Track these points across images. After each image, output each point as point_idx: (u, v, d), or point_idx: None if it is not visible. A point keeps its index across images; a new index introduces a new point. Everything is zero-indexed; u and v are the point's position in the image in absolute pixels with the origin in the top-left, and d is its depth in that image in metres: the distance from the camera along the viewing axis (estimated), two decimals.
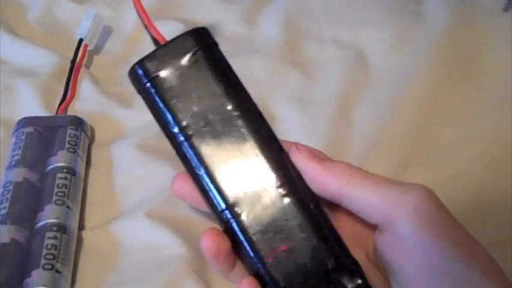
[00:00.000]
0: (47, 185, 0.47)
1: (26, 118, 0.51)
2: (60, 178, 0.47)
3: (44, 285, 0.41)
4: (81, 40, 0.58)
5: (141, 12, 0.39)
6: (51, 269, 0.42)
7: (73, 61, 0.57)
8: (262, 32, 0.62)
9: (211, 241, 0.34)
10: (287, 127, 0.53)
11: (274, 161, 0.34)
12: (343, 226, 0.36)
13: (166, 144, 0.51)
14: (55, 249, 0.43)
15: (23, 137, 0.49)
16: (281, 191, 0.34)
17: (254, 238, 0.33)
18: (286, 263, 0.33)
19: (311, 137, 0.52)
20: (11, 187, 0.46)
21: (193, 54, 0.35)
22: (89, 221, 0.49)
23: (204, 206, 0.35)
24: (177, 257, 0.45)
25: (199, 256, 0.46)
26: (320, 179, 0.34)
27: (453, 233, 0.31)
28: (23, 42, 0.60)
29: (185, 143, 0.35)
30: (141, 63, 0.35)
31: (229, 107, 0.35)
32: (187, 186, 0.36)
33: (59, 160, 0.48)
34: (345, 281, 0.33)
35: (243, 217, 0.33)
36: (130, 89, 0.56)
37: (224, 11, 0.64)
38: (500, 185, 0.49)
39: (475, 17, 0.61)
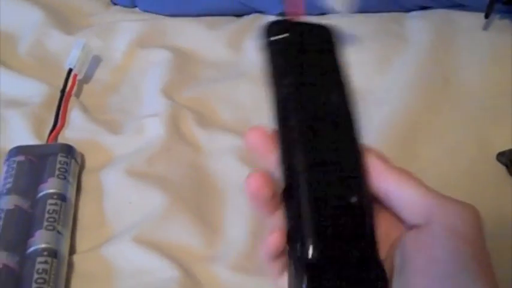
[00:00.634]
0: (37, 211, 0.48)
1: (17, 147, 0.52)
2: (50, 204, 0.48)
3: None
4: (70, 70, 0.60)
5: None
6: None
7: (63, 90, 0.59)
8: (247, 56, 0.64)
9: (255, 179, 0.35)
10: None
11: (353, 150, 0.35)
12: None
13: (155, 169, 0.53)
14: (46, 273, 0.44)
15: (14, 166, 0.51)
16: (349, 177, 0.35)
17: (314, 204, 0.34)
18: (330, 236, 0.33)
19: None
20: (3, 215, 0.47)
21: (318, 47, 0.38)
22: (80, 246, 0.50)
23: (271, 162, 0.36)
24: (170, 280, 0.46)
25: (192, 279, 0.47)
26: (381, 176, 0.35)
27: (479, 246, 0.32)
28: (14, 74, 0.62)
29: (291, 96, 0.36)
30: (276, 22, 0.37)
31: (336, 92, 0.37)
32: (262, 140, 0.37)
33: (50, 187, 0.49)
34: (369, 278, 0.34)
35: (312, 185, 0.34)
36: (119, 116, 0.59)
37: (210, 37, 0.65)
38: (482, 196, 0.50)
39: (455, 36, 0.62)
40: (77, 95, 0.61)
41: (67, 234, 0.48)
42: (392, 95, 0.57)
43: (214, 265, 0.47)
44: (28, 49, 0.64)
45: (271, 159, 0.36)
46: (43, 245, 0.45)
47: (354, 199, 0.34)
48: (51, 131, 0.56)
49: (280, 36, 0.37)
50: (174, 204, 0.50)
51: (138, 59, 0.64)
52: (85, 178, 0.54)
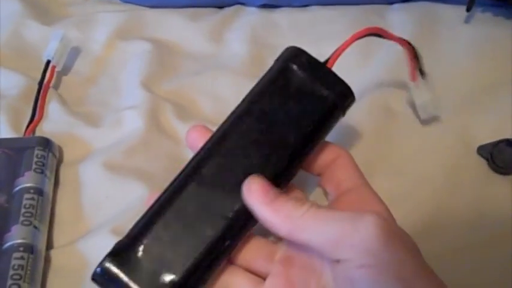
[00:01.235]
0: (14, 206, 0.47)
1: None
2: (27, 199, 0.47)
3: None
4: (48, 62, 0.59)
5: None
6: None
7: (40, 82, 0.58)
8: (228, 48, 0.63)
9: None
10: None
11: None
12: (299, 255, 0.38)
13: (133, 162, 0.53)
14: (22, 269, 0.43)
15: None
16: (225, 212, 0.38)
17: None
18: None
19: None
20: None
21: (325, 95, 0.40)
22: (57, 240, 0.49)
23: None
24: None
25: None
26: (269, 223, 0.36)
27: (396, 268, 0.32)
28: None
29: (246, 115, 0.40)
30: (299, 50, 0.41)
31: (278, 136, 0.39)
32: (201, 138, 0.41)
33: (26, 181, 0.49)
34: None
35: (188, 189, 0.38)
36: (98, 109, 0.58)
37: (190, 29, 0.64)
38: (463, 191, 0.50)
39: (437, 29, 0.62)
40: (55, 87, 0.60)
41: (44, 229, 0.47)
42: (372, 89, 0.57)
43: None
44: (5, 40, 0.63)
45: None
46: (19, 241, 0.45)
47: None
48: (29, 124, 0.55)
49: (298, 69, 0.40)
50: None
51: (117, 50, 0.63)
52: (63, 172, 0.53)
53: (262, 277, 0.40)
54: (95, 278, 0.38)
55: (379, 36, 0.47)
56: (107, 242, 0.47)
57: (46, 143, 0.52)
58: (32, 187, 0.48)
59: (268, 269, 0.39)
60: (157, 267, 0.37)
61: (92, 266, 0.46)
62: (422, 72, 0.51)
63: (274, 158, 0.38)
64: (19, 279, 0.42)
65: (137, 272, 0.37)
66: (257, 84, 0.41)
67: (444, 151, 0.52)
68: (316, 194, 0.49)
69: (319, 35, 0.63)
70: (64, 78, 0.61)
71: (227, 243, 0.38)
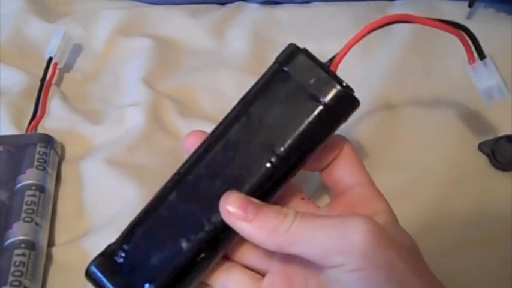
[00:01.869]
0: (15, 202, 0.47)
1: None
2: (28, 195, 0.47)
3: None
4: (50, 59, 0.59)
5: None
6: (19, 285, 0.42)
7: (42, 80, 0.58)
8: (229, 44, 0.63)
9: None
10: None
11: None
12: (292, 261, 0.38)
13: (134, 158, 0.53)
14: (23, 266, 0.43)
15: None
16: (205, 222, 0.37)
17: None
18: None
19: None
20: None
21: (323, 101, 0.37)
22: (59, 238, 0.49)
23: None
24: None
25: None
26: (254, 240, 0.35)
27: (387, 271, 0.32)
28: None
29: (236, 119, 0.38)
30: (305, 52, 0.39)
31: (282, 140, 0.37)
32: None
33: (28, 178, 0.49)
34: None
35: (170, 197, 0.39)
36: (100, 105, 0.58)
37: (192, 26, 0.64)
38: (464, 187, 0.50)
39: None
40: (57, 84, 0.60)
41: (45, 226, 0.47)
42: (374, 85, 0.57)
43: None
44: (7, 37, 0.63)
45: None
46: (21, 237, 0.45)
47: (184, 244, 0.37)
48: (31, 121, 0.55)
49: (296, 71, 0.38)
50: (153, 194, 0.49)
51: (119, 47, 0.63)
52: (65, 168, 0.53)
53: (262, 274, 0.40)
54: (86, 275, 0.39)
55: (407, 22, 0.44)
56: (108, 239, 0.47)
57: (48, 140, 0.52)
58: (33, 184, 0.48)
59: (267, 266, 0.39)
60: (136, 275, 0.37)
61: None
62: (481, 55, 0.46)
63: (260, 168, 0.37)
64: (20, 276, 0.43)
65: (117, 278, 0.38)
66: (252, 88, 0.39)
67: (445, 147, 0.52)
68: (318, 189, 0.49)
69: (320, 32, 0.63)
70: (66, 75, 0.62)
71: (202, 255, 0.37)
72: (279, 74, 0.38)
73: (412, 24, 0.61)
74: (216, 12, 0.66)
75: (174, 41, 0.64)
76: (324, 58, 0.60)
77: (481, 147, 0.51)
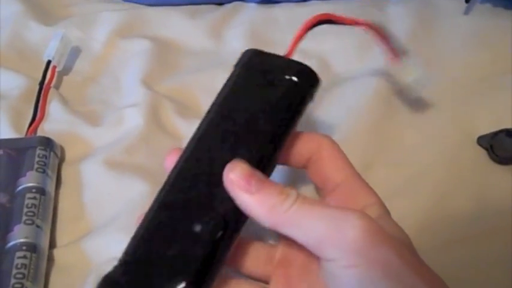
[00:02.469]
0: (16, 205, 0.47)
1: None
2: (29, 198, 0.48)
3: None
4: (49, 62, 0.59)
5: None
6: None
7: (41, 83, 0.58)
8: (228, 44, 0.63)
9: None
10: None
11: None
12: (296, 254, 0.38)
13: (134, 159, 0.53)
14: (25, 268, 0.43)
15: None
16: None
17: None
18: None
19: None
20: None
21: (287, 80, 0.39)
22: (60, 239, 0.49)
23: None
24: None
25: None
26: (253, 214, 0.34)
27: (383, 267, 0.32)
28: None
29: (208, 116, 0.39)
30: (255, 51, 0.41)
31: (256, 124, 0.38)
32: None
33: (28, 181, 0.49)
34: None
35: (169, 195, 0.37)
36: (99, 107, 0.58)
37: (190, 27, 0.65)
38: (463, 181, 0.50)
39: (436, 21, 0.62)
40: (56, 87, 0.60)
41: (46, 228, 0.48)
42: (373, 81, 0.57)
43: None
44: (6, 41, 0.64)
45: None
46: (22, 240, 0.45)
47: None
48: (30, 124, 0.55)
49: (259, 65, 0.40)
50: (153, 194, 0.50)
51: (118, 49, 0.63)
52: (65, 171, 0.53)
53: (267, 282, 0.39)
54: None
55: (332, 22, 0.47)
56: (109, 240, 0.48)
57: (47, 143, 0.52)
58: (34, 187, 0.48)
59: (269, 272, 0.39)
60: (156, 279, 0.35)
61: (95, 264, 0.47)
62: (400, 52, 0.49)
63: (251, 148, 0.37)
64: (22, 278, 0.43)
65: None
66: (222, 89, 0.40)
67: (444, 142, 0.52)
68: (308, 189, 0.49)
69: (318, 30, 0.63)
70: (65, 77, 0.62)
71: (220, 233, 0.35)
72: (246, 70, 0.41)
73: (409, 20, 0.62)
74: (214, 13, 0.66)
75: (173, 42, 0.64)
76: (321, 56, 0.60)
77: (480, 141, 0.51)
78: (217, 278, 0.35)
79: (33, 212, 0.47)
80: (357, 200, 0.38)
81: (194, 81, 0.59)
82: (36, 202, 0.48)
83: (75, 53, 0.63)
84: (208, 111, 0.40)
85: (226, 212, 0.35)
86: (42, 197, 0.48)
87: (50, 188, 0.50)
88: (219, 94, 0.40)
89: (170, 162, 0.39)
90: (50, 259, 0.47)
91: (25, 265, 0.44)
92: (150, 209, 0.37)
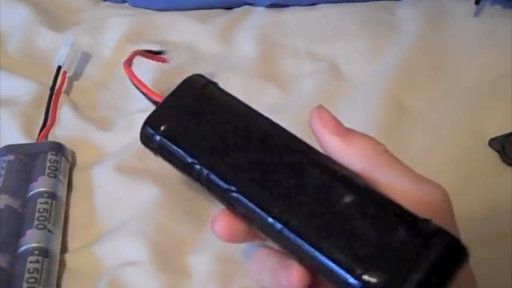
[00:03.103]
0: (28, 210, 0.48)
1: (7, 146, 0.52)
2: (41, 203, 0.48)
3: None
4: (59, 67, 0.59)
5: (135, 80, 0.41)
6: None
7: (52, 88, 0.58)
8: (237, 49, 0.63)
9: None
10: None
11: (302, 157, 0.32)
12: None
13: (143, 163, 0.53)
14: (37, 272, 0.43)
15: (4, 165, 0.50)
16: (322, 179, 0.31)
17: (314, 237, 0.30)
18: (357, 249, 0.29)
19: None
20: None
21: (195, 98, 0.35)
22: (71, 244, 0.49)
23: (254, 235, 0.33)
24: (161, 273, 0.46)
25: (182, 271, 0.47)
26: (342, 156, 0.32)
27: None
28: (3, 72, 0.61)
29: (211, 175, 0.32)
30: (146, 122, 0.35)
31: (244, 129, 0.33)
32: (231, 223, 0.32)
33: (40, 185, 0.49)
34: (428, 240, 0.29)
35: (294, 220, 0.30)
36: (110, 113, 0.58)
37: (200, 31, 0.65)
38: (474, 183, 0.50)
39: (446, 23, 0.62)
40: (67, 93, 0.61)
41: (58, 232, 0.48)
42: (383, 84, 0.57)
43: (205, 257, 0.47)
44: (17, 47, 0.64)
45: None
46: (34, 244, 0.45)
47: (350, 201, 0.30)
48: (41, 129, 0.56)
49: (160, 130, 0.34)
50: (164, 198, 0.50)
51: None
52: (76, 176, 0.54)
53: None
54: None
55: None
56: (121, 245, 0.48)
57: (59, 148, 0.52)
58: (45, 191, 0.49)
59: None
60: None
61: (107, 269, 0.47)
62: None
63: None
64: (34, 283, 0.43)
65: None
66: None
67: (455, 144, 0.52)
68: None
69: (328, 33, 0.63)
70: (75, 83, 0.62)
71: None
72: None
73: (419, 23, 0.62)
74: (223, 17, 0.67)
75: (183, 47, 0.64)
76: (332, 59, 0.60)
77: (491, 143, 0.51)
78: None
79: (44, 216, 0.47)
80: None
81: None
82: (47, 207, 0.48)
83: (85, 58, 0.63)
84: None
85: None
86: (54, 201, 0.48)
87: (62, 192, 0.50)
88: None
89: (221, 226, 0.33)
90: (62, 264, 0.47)
91: (37, 269, 0.44)
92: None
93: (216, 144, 0.33)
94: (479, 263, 0.45)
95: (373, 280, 0.27)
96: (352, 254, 0.28)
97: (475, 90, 0.56)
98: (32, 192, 0.49)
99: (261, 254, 0.33)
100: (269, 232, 0.31)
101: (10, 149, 0.52)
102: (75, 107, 0.59)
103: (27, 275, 0.43)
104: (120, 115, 0.58)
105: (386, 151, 0.33)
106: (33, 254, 0.44)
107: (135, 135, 0.55)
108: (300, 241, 0.29)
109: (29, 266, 0.44)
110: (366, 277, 0.27)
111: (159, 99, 0.38)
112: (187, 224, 0.49)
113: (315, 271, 0.30)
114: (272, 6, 0.66)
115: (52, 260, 0.45)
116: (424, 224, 0.29)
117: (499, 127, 0.52)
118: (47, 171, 0.50)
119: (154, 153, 0.35)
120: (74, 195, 0.52)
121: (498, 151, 0.51)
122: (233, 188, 0.31)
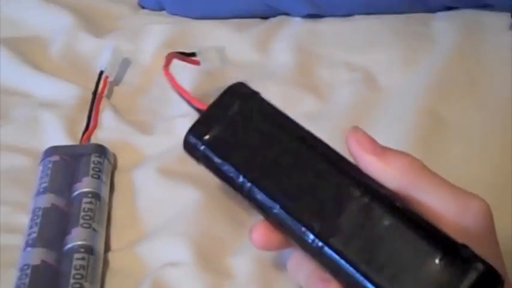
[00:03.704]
0: (73, 209, 0.49)
1: (52, 147, 0.54)
2: (86, 203, 0.49)
3: None
4: (101, 72, 0.61)
5: (177, 87, 0.41)
6: None
7: (94, 92, 0.60)
8: (274, 57, 0.64)
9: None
10: None
11: (343, 176, 0.32)
12: None
13: (185, 167, 0.54)
14: (83, 269, 0.45)
15: (50, 165, 0.52)
16: (363, 200, 0.31)
17: (354, 258, 0.30)
18: (393, 269, 0.29)
19: None
20: (40, 212, 0.48)
21: (238, 108, 0.34)
22: (114, 243, 0.51)
23: (290, 243, 0.33)
24: (202, 274, 0.47)
25: (223, 273, 0.47)
26: (381, 176, 0.32)
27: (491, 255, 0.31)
28: (47, 76, 0.63)
29: (253, 188, 0.32)
30: (190, 130, 0.34)
31: (288, 143, 0.33)
32: (269, 234, 0.33)
33: (84, 186, 0.50)
34: (462, 268, 0.29)
35: (335, 240, 0.30)
36: (149, 117, 0.60)
37: (237, 39, 0.66)
38: (510, 194, 0.50)
39: (481, 36, 0.63)
40: (108, 97, 0.62)
41: (102, 231, 0.49)
42: (419, 95, 0.58)
43: (245, 259, 0.48)
44: (60, 52, 0.66)
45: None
46: (80, 242, 0.46)
47: (389, 223, 0.30)
48: (84, 132, 0.57)
49: (204, 140, 0.34)
50: (206, 202, 0.51)
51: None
52: (117, 177, 0.55)
53: None
54: None
55: None
56: (162, 246, 0.49)
57: (102, 150, 0.54)
58: (89, 192, 0.50)
59: None
60: None
61: (149, 269, 0.48)
62: None
63: None
64: (81, 279, 0.44)
65: None
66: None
67: (492, 155, 0.53)
68: None
69: (364, 44, 0.64)
70: (115, 88, 0.63)
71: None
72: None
73: (455, 35, 0.63)
74: (259, 26, 0.68)
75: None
76: (367, 69, 0.61)
77: None
78: None
79: (89, 215, 0.48)
80: None
81: None
82: (92, 206, 0.49)
83: (125, 64, 0.65)
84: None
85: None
86: (98, 201, 0.50)
87: (105, 193, 0.51)
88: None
89: (258, 236, 0.33)
90: (105, 262, 0.48)
91: (83, 266, 0.45)
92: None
93: (260, 158, 0.33)
94: None
95: None
96: (389, 277, 0.29)
97: (510, 101, 0.56)
98: (76, 192, 0.50)
99: (298, 255, 0.34)
100: (309, 249, 0.31)
101: (55, 150, 0.53)
102: (116, 110, 0.60)
103: (73, 272, 0.44)
104: (159, 119, 0.59)
105: (423, 167, 0.33)
106: (79, 252, 0.46)
107: (176, 139, 0.56)
108: (341, 262, 0.30)
109: (76, 262, 0.45)
110: None
111: (202, 107, 0.38)
112: (228, 226, 0.50)
113: None
114: (308, 16, 0.68)
115: (97, 258, 0.47)
116: (461, 250, 0.29)
117: None
118: (91, 172, 0.51)
119: (196, 161, 0.35)
120: (116, 197, 0.53)
121: None
122: (275, 205, 0.32)
